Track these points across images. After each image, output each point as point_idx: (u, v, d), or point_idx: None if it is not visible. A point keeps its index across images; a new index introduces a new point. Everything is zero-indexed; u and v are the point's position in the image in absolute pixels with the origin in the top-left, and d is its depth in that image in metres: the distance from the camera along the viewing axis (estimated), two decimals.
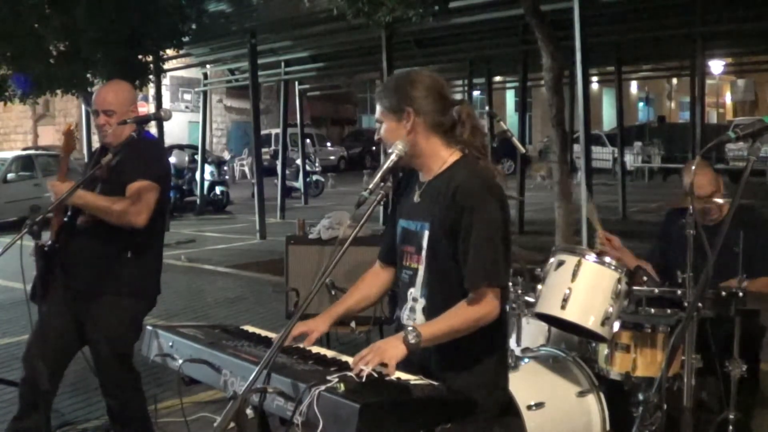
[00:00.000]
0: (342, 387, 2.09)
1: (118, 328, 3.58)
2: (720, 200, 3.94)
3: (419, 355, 2.42)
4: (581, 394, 3.59)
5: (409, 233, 2.57)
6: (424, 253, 2.51)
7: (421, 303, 2.53)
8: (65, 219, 3.62)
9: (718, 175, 4.07)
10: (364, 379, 2.18)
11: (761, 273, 3.79)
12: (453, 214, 2.41)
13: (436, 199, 2.48)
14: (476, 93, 22.70)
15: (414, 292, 2.55)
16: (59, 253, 3.58)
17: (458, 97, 3.07)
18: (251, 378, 2.13)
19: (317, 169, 21.57)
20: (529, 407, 3.38)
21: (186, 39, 14.01)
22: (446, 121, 2.51)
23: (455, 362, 2.49)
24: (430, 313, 2.48)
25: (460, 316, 2.39)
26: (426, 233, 2.50)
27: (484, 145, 2.56)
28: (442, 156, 2.52)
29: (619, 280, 3.37)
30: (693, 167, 3.94)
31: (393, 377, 2.28)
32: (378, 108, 2.56)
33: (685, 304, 3.42)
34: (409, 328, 2.36)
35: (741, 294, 3.44)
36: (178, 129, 27.10)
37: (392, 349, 2.31)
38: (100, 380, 3.70)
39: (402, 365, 2.34)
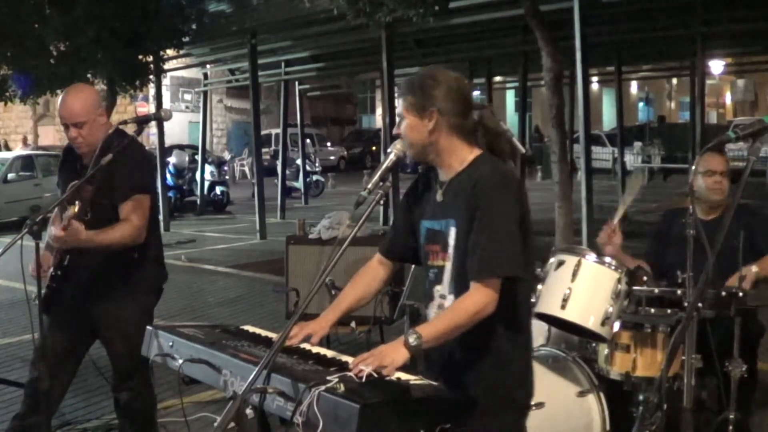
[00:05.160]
0: (342, 387, 2.09)
1: (133, 325, 3.55)
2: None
3: (444, 359, 2.46)
4: (581, 394, 3.59)
5: (434, 233, 2.58)
6: (450, 250, 2.51)
7: (450, 299, 2.53)
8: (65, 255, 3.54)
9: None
10: (364, 380, 2.19)
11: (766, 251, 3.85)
12: (473, 207, 2.43)
13: (460, 195, 2.49)
14: (476, 93, 22.72)
15: (441, 289, 2.56)
16: (66, 276, 3.53)
17: None
18: (251, 378, 2.13)
19: (317, 169, 21.55)
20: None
21: (186, 39, 14.02)
22: (468, 123, 2.53)
23: (476, 363, 2.50)
24: None
25: (458, 311, 2.40)
26: (452, 230, 2.50)
27: (507, 148, 2.58)
28: (462, 155, 2.53)
29: (619, 280, 3.37)
30: (696, 163, 3.98)
31: (393, 377, 2.28)
32: (401, 103, 2.55)
33: (685, 304, 3.43)
34: (410, 331, 2.36)
35: (741, 294, 3.44)
36: (178, 129, 27.09)
37: (394, 353, 2.31)
38: (114, 375, 3.71)
39: (425, 368, 2.38)
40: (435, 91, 2.49)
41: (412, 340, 2.32)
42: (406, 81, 2.60)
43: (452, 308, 2.42)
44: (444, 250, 2.53)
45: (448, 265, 2.53)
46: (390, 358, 2.29)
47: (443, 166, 2.57)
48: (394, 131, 2.60)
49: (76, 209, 3.22)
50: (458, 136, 2.52)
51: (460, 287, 2.49)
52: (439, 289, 2.57)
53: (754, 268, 3.72)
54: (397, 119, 2.58)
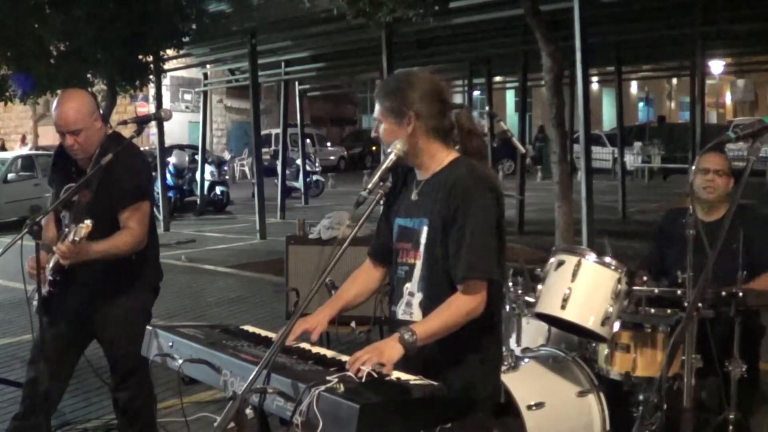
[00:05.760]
0: (342, 387, 2.09)
1: (133, 324, 3.56)
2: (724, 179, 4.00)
3: (419, 354, 2.44)
4: (581, 394, 3.59)
5: (406, 230, 2.60)
6: (422, 248, 2.54)
7: (418, 297, 2.56)
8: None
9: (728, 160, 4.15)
10: (363, 380, 2.19)
11: (763, 269, 3.80)
12: (449, 208, 2.45)
13: (435, 195, 2.52)
14: (476, 93, 22.70)
15: (410, 287, 2.58)
16: (66, 280, 3.50)
17: (458, 97, 3.04)
18: (251, 378, 2.13)
19: (317, 169, 21.54)
20: (529, 407, 3.38)
21: (186, 39, 13.99)
22: (445, 124, 2.56)
23: (453, 361, 2.50)
24: (427, 306, 2.51)
25: (451, 311, 2.42)
26: (425, 228, 2.53)
27: (481, 148, 2.61)
28: (439, 156, 2.57)
29: (619, 280, 3.37)
30: (696, 163, 3.98)
31: (393, 377, 2.28)
32: (377, 108, 2.58)
33: (685, 304, 3.42)
34: (404, 328, 2.38)
35: (741, 294, 3.44)
36: (178, 129, 27.08)
37: (390, 349, 2.33)
38: (113, 375, 3.71)
39: (401, 364, 2.35)
40: (411, 94, 2.51)
41: (407, 336, 2.35)
42: (382, 84, 2.63)
43: (445, 308, 2.43)
44: (415, 248, 2.56)
45: (419, 264, 2.56)
46: (388, 354, 2.31)
47: (421, 167, 2.60)
48: (372, 134, 2.63)
49: (90, 228, 3.18)
50: (436, 138, 2.55)
51: (429, 286, 2.53)
52: (408, 287, 2.59)
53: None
54: (374, 123, 2.60)
